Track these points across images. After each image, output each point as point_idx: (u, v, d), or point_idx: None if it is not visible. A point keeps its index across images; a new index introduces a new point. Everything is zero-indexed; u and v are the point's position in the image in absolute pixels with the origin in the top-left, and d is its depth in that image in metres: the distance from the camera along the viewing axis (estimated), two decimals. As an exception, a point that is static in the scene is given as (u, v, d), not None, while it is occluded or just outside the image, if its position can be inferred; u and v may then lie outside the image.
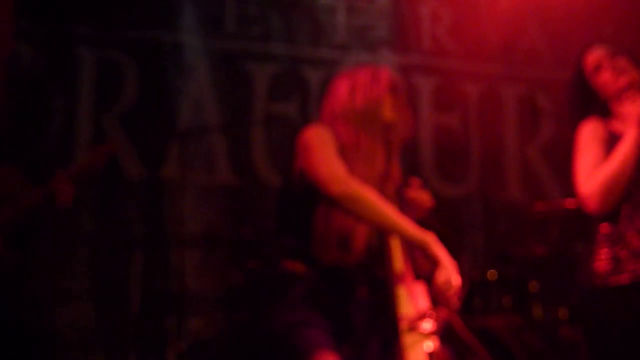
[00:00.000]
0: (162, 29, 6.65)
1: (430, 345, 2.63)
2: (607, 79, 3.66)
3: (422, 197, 3.18)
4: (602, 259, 3.50)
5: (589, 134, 3.64)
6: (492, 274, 5.74)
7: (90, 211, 6.24)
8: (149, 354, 6.17)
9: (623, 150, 3.44)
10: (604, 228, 3.54)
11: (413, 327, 2.64)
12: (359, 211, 2.79)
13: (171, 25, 6.68)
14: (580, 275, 3.65)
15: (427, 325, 2.65)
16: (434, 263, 2.74)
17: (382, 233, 2.92)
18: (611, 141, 3.55)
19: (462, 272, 6.00)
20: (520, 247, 6.27)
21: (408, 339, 2.63)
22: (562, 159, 7.34)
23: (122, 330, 6.16)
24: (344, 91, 3.13)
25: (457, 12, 7.44)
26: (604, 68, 3.66)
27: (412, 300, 2.76)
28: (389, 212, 2.79)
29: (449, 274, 2.74)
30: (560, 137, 7.32)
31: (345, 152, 2.97)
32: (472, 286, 5.66)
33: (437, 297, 2.75)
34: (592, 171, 3.50)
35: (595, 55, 3.71)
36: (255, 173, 6.66)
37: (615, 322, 3.44)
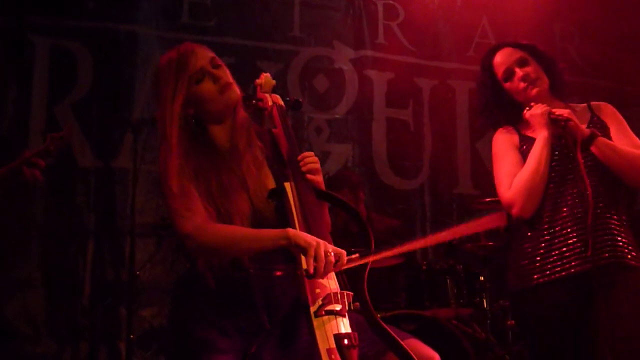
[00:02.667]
0: (117, 20, 6.62)
1: (338, 326, 2.60)
2: (518, 88, 3.77)
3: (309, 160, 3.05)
4: (525, 259, 3.63)
5: (503, 143, 3.80)
6: (441, 266, 5.80)
7: (42, 201, 6.21)
8: (100, 344, 6.16)
9: (536, 152, 3.61)
10: (523, 229, 3.68)
11: (321, 310, 2.61)
12: (217, 255, 2.82)
13: (127, 16, 6.66)
14: (508, 274, 3.76)
15: (336, 307, 2.62)
16: (301, 252, 2.66)
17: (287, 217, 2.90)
18: (525, 143, 3.72)
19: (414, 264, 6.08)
20: (469, 240, 6.34)
21: (316, 322, 2.59)
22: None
23: (73, 319, 6.15)
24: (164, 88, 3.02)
25: (411, 8, 7.50)
26: (515, 76, 3.77)
27: (319, 282, 2.69)
28: (242, 239, 2.77)
29: (319, 254, 2.61)
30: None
31: (194, 148, 2.94)
32: (423, 277, 5.73)
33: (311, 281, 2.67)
34: (511, 177, 3.66)
35: (504, 60, 3.82)
36: (207, 164, 6.65)
37: (540, 319, 3.57)
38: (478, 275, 5.83)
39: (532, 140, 3.68)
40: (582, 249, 3.48)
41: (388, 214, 6.84)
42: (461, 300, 5.67)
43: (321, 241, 2.65)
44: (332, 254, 2.64)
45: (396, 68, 7.47)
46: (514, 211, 3.63)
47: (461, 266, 5.75)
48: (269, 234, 2.74)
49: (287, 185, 2.92)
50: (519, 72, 3.74)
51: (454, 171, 7.47)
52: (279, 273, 2.87)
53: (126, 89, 6.58)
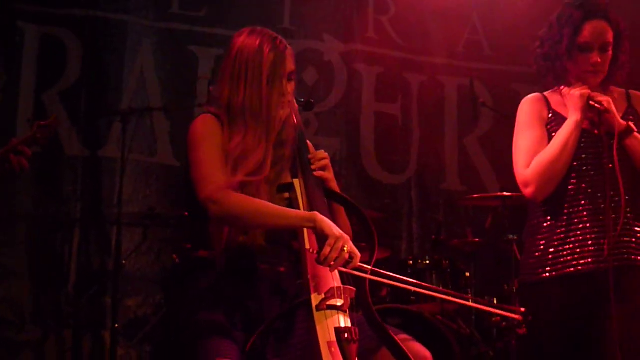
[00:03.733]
0: (107, 9, 6.60)
1: (339, 321, 2.63)
2: (582, 66, 3.55)
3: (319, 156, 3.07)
4: (537, 251, 3.56)
5: (531, 114, 3.64)
6: (427, 261, 5.81)
7: (29, 189, 6.20)
8: (84, 332, 6.16)
9: (563, 135, 3.47)
10: (538, 221, 3.60)
11: (323, 304, 2.64)
12: (239, 224, 2.82)
13: (117, 5, 6.63)
14: (520, 265, 3.72)
15: (337, 302, 2.66)
16: (322, 238, 2.69)
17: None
18: (554, 120, 3.58)
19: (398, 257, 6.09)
20: (455, 235, 6.37)
21: (317, 316, 2.63)
22: (499, 151, 7.50)
23: (58, 307, 6.15)
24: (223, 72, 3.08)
25: (402, 3, 7.49)
26: (590, 56, 3.53)
27: (323, 276, 2.74)
28: (267, 213, 2.77)
29: (337, 246, 2.65)
30: (498, 130, 7.44)
31: (233, 128, 2.95)
32: (408, 272, 5.75)
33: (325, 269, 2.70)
34: (531, 155, 3.53)
35: (594, 33, 3.52)
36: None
37: (548, 313, 3.51)
38: (464, 271, 5.85)
39: (561, 119, 3.54)
40: (599, 247, 3.40)
41: (375, 209, 6.84)
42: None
43: (345, 236, 2.69)
44: (348, 252, 2.67)
45: (385, 62, 7.46)
46: (528, 192, 3.52)
47: (447, 262, 5.77)
48: (296, 214, 2.79)
49: (296, 181, 2.97)
50: (595, 56, 3.50)
51: (441, 167, 7.47)
52: (282, 269, 2.88)
53: (115, 78, 6.57)
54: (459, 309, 5.76)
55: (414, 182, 7.37)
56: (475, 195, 5.99)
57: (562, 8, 3.65)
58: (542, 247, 3.55)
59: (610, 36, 3.52)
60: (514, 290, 5.39)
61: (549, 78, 3.67)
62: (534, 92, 3.72)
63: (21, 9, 6.38)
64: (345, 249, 2.65)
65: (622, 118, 3.51)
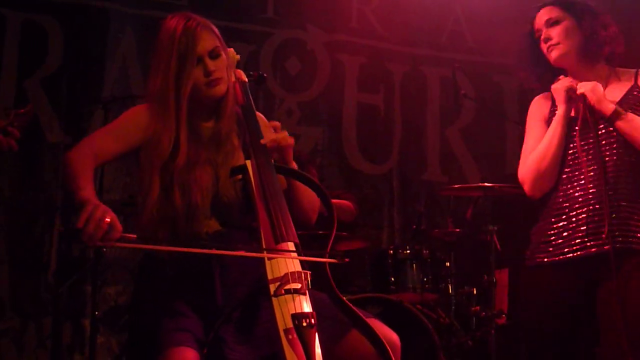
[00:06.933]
0: (89, -5, 6.58)
1: (296, 306, 2.58)
2: (543, 50, 3.60)
3: (280, 137, 3.01)
4: (536, 236, 3.58)
5: (532, 114, 3.69)
6: (407, 251, 5.83)
7: (9, 176, 6.18)
8: (64, 320, 6.15)
9: (549, 132, 3.51)
10: (541, 210, 3.61)
11: (280, 289, 2.60)
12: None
13: (99, -9, 6.62)
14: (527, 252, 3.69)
15: (295, 286, 2.61)
16: (79, 208, 2.55)
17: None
18: (554, 115, 3.57)
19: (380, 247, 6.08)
20: (436, 225, 6.39)
21: (276, 301, 2.58)
22: (480, 143, 7.52)
23: (38, 295, 6.13)
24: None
25: (385, -8, 7.51)
26: (541, 38, 3.59)
27: (282, 263, 2.68)
28: (68, 173, 2.72)
29: (94, 216, 2.48)
30: (480, 121, 7.47)
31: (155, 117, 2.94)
32: (389, 262, 5.77)
33: None
34: (528, 155, 3.57)
35: (538, 20, 3.62)
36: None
37: (540, 298, 3.54)
38: (444, 261, 5.87)
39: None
40: (593, 232, 3.38)
41: (357, 198, 6.85)
42: (427, 286, 5.70)
43: (102, 207, 2.53)
44: (108, 223, 2.50)
45: (368, 53, 7.48)
46: (525, 190, 3.57)
47: (427, 252, 5.79)
48: (78, 185, 2.67)
49: (248, 162, 2.92)
50: (543, 33, 3.56)
51: (422, 157, 7.50)
52: (238, 254, 2.79)
53: (97, 66, 6.54)
54: (438, 298, 5.79)
55: (396, 173, 7.39)
56: (456, 186, 6.01)
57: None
58: (540, 232, 3.56)
59: (554, 12, 3.57)
60: (494, 281, 5.43)
61: (545, 79, 3.68)
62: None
63: (1, -5, 6.35)
64: (108, 219, 2.50)
65: (625, 96, 3.49)
